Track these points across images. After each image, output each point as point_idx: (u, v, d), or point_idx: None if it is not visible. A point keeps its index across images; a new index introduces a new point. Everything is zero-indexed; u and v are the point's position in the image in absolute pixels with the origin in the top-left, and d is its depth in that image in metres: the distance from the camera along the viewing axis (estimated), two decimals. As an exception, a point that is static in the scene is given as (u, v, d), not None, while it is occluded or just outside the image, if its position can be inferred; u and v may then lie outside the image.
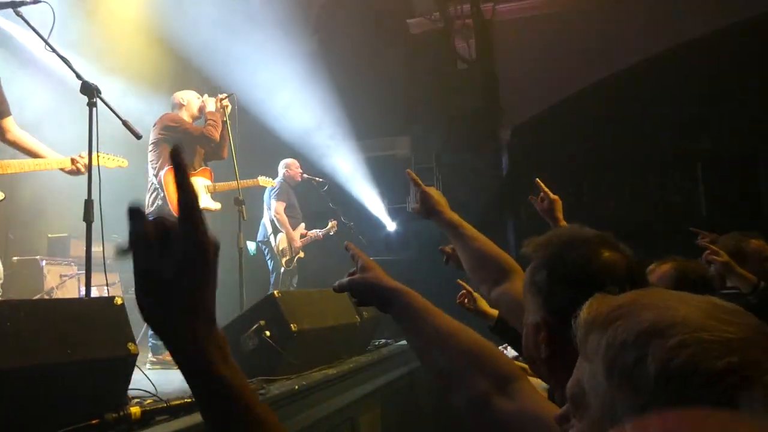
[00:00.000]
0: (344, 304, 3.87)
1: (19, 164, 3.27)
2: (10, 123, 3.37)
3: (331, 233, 6.78)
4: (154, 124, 4.56)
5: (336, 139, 8.24)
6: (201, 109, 4.71)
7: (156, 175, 4.40)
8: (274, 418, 0.74)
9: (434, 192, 1.82)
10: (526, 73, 7.66)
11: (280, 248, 6.40)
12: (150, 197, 4.44)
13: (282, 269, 6.40)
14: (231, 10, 6.87)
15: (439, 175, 8.34)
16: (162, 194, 4.30)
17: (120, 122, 3.02)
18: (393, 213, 8.23)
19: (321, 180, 6.83)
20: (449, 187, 8.28)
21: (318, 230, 6.74)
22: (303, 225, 6.71)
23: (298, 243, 6.49)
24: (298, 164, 6.68)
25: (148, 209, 4.40)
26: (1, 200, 3.15)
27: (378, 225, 8.21)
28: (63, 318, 2.06)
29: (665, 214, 7.51)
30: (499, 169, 8.03)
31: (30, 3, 2.99)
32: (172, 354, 0.72)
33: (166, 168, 4.39)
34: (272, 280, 6.43)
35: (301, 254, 6.60)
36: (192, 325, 0.70)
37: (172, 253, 0.68)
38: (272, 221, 6.40)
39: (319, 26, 7.61)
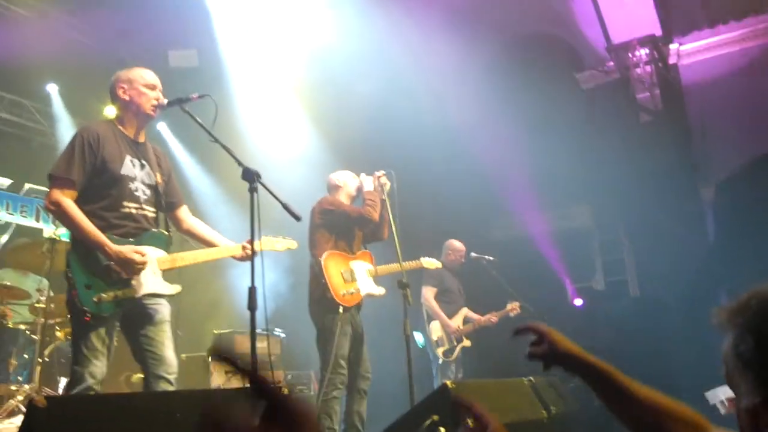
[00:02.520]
0: (527, 398, 3.73)
1: (193, 256, 3.58)
2: (184, 212, 3.79)
3: (512, 315, 6.61)
4: (313, 208, 4.86)
5: (505, 212, 8.23)
6: (359, 189, 4.95)
7: (317, 261, 4.66)
8: None
9: (554, 332, 1.59)
10: (721, 120, 7.22)
11: (435, 338, 6.41)
12: (311, 282, 4.71)
13: (440, 361, 6.35)
14: (388, 84, 7.35)
15: (631, 246, 7.93)
16: (323, 280, 4.55)
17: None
18: (576, 293, 7.93)
19: (492, 258, 6.76)
20: (644, 259, 7.82)
21: (493, 314, 6.64)
22: (465, 309, 6.67)
23: (454, 329, 6.45)
24: (462, 246, 6.73)
25: (312, 295, 4.68)
26: (178, 293, 3.52)
27: (558, 308, 7.90)
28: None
29: None
30: (704, 234, 7.48)
31: (196, 99, 3.45)
32: None
33: (326, 253, 4.64)
34: (434, 372, 6.40)
35: (467, 343, 6.51)
36: None
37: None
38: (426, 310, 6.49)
39: (481, 95, 7.83)
